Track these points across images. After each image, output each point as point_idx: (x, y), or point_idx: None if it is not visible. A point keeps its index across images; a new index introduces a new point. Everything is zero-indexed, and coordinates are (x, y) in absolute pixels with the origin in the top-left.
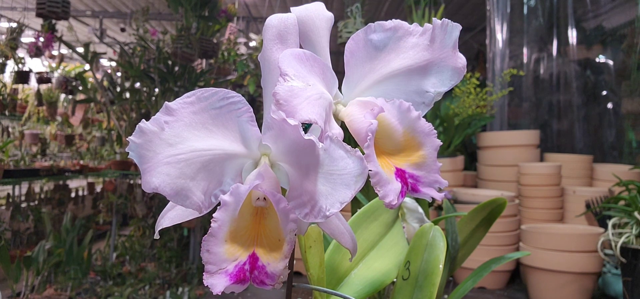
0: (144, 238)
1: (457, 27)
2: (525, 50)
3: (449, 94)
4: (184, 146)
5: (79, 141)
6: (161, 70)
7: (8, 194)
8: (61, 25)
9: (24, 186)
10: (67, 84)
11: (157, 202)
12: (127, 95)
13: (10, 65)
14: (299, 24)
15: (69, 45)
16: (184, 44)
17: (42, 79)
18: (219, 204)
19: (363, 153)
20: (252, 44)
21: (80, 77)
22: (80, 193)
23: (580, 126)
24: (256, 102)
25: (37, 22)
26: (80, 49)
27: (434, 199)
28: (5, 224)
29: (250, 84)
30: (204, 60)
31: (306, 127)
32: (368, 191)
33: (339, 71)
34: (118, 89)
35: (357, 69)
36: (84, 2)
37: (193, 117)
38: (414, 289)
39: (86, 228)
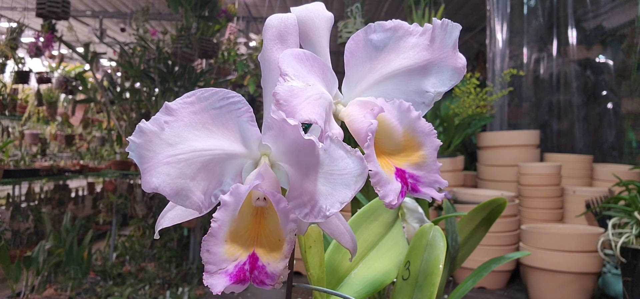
0: (144, 238)
1: (457, 27)
2: (525, 50)
3: (449, 94)
4: (184, 146)
5: (79, 141)
6: (161, 70)
7: (8, 194)
8: (61, 25)
9: (24, 186)
10: (67, 84)
11: (157, 202)
12: (127, 95)
13: (10, 65)
14: (299, 24)
15: (69, 45)
16: (184, 44)
17: (42, 79)
18: (219, 204)
19: (363, 153)
20: (252, 44)
21: (80, 77)
22: (80, 193)
23: (580, 126)
24: (256, 102)
25: (37, 22)
26: (80, 49)
27: (434, 199)
28: (5, 224)
29: (250, 84)
30: (204, 60)
31: (306, 127)
32: (368, 191)
33: (339, 71)
34: (118, 89)
35: (357, 69)
36: (84, 2)
37: (193, 117)
38: (414, 289)
39: (86, 228)
